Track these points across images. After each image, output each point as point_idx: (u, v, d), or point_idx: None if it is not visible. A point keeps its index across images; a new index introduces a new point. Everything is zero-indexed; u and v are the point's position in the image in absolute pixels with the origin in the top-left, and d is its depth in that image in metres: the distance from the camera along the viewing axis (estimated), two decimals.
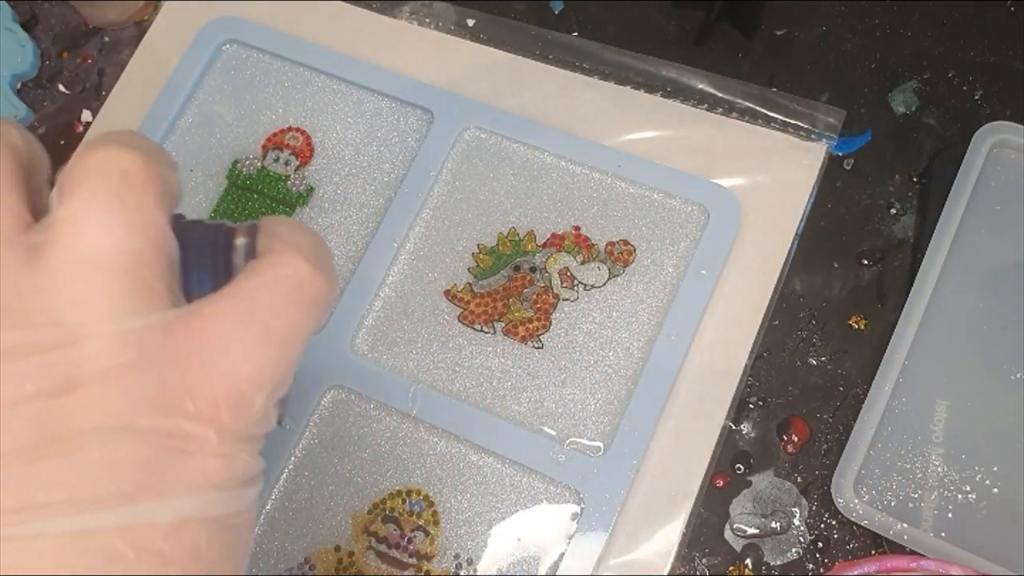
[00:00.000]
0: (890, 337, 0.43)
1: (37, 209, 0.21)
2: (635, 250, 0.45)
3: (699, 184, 0.46)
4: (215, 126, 0.51)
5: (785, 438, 0.43)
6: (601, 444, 0.42)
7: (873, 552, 0.41)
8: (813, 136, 0.46)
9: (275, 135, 0.50)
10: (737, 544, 0.41)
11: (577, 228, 0.46)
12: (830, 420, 0.43)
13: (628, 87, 0.48)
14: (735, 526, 0.42)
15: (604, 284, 0.45)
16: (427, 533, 0.42)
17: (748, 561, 0.41)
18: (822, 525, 0.41)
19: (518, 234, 0.47)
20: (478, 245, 0.47)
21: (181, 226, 0.23)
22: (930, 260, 0.43)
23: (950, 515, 0.40)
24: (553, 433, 0.43)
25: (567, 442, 0.43)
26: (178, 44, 0.52)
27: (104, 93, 0.53)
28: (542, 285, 0.45)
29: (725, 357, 0.43)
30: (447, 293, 0.46)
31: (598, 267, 0.45)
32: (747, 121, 0.47)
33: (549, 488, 0.42)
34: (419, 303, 0.46)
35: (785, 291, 0.45)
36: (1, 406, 0.18)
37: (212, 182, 0.50)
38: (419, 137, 0.49)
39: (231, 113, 0.51)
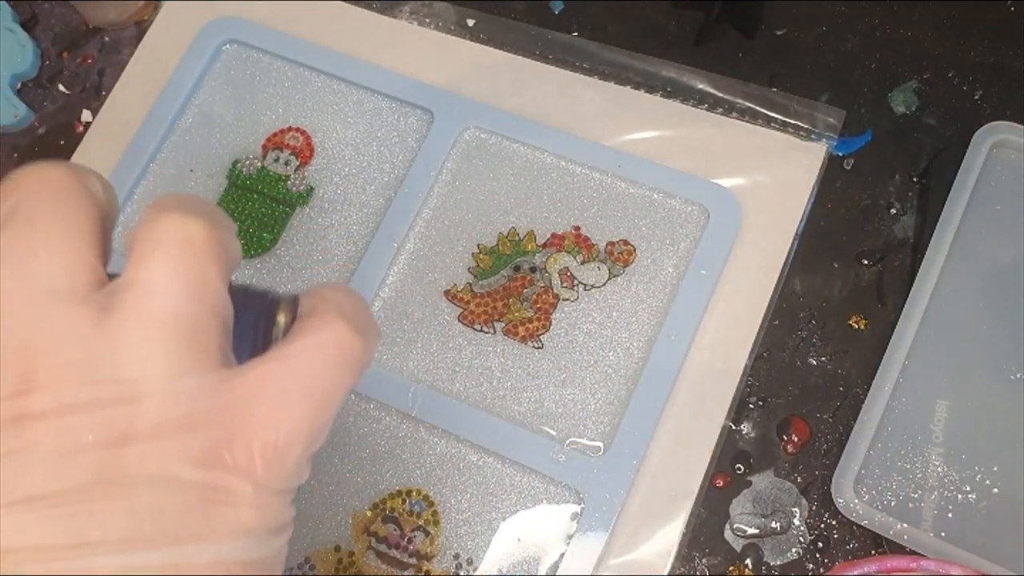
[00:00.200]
0: (890, 337, 0.43)
1: (103, 253, 0.23)
2: (635, 250, 0.45)
3: (699, 184, 0.46)
4: (215, 126, 0.51)
5: (785, 438, 0.43)
6: (601, 444, 0.42)
7: (873, 552, 0.41)
8: (813, 136, 0.46)
9: (275, 135, 0.50)
10: (737, 544, 0.41)
11: (577, 228, 0.46)
12: (830, 420, 0.43)
13: (628, 87, 0.48)
14: (735, 526, 0.42)
15: (604, 284, 0.45)
16: (427, 533, 0.42)
17: (748, 561, 0.41)
18: (822, 525, 0.41)
19: (518, 234, 0.47)
20: (478, 245, 0.47)
21: (232, 288, 0.24)
22: (930, 260, 0.43)
23: (950, 515, 0.40)
24: (553, 433, 0.43)
25: (567, 442, 0.43)
26: (178, 44, 0.52)
27: (104, 93, 0.53)
28: (542, 285, 0.45)
29: (725, 357, 0.43)
30: (447, 293, 0.46)
31: (598, 267, 0.45)
32: (747, 121, 0.47)
33: (549, 488, 0.42)
34: (419, 303, 0.46)
35: (785, 291, 0.45)
36: (64, 451, 0.20)
37: (212, 182, 0.50)
38: (419, 137, 0.49)
39: (231, 113, 0.51)
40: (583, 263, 0.46)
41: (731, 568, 0.41)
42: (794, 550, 0.41)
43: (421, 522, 0.42)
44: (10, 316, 0.21)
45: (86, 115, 0.53)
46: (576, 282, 0.45)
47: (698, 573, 0.41)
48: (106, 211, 0.23)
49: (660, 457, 0.42)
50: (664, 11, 0.51)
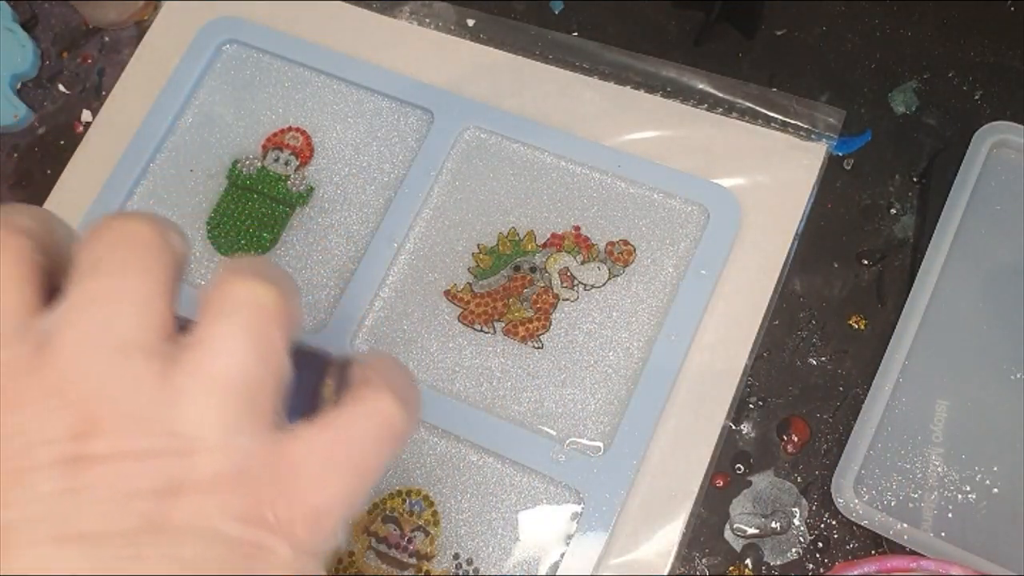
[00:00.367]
0: (890, 337, 0.43)
1: (175, 302, 0.24)
2: (635, 250, 0.45)
3: (699, 184, 0.46)
4: (215, 126, 0.51)
5: (785, 438, 0.43)
6: (601, 444, 0.42)
7: (873, 552, 0.41)
8: (813, 136, 0.46)
9: (275, 135, 0.50)
10: (737, 544, 0.41)
11: (577, 228, 0.46)
12: (830, 420, 0.43)
13: (628, 87, 0.48)
14: (735, 526, 0.42)
15: (604, 284, 0.45)
16: (427, 533, 0.42)
17: (748, 561, 0.41)
18: (822, 525, 0.41)
19: (518, 234, 0.47)
20: (478, 245, 0.47)
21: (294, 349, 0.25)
22: (930, 260, 0.43)
23: (950, 515, 0.40)
24: (553, 433, 0.43)
25: (567, 442, 0.43)
26: (178, 44, 0.52)
27: (104, 93, 0.53)
28: (542, 285, 0.45)
29: (725, 357, 0.43)
30: (447, 293, 0.46)
31: (598, 267, 0.45)
32: (747, 121, 0.47)
33: (549, 488, 0.42)
34: (419, 303, 0.46)
35: (785, 291, 0.45)
36: (117, 495, 0.21)
37: (212, 182, 0.50)
38: (419, 137, 0.49)
39: (231, 113, 0.51)
40: (583, 263, 0.46)
41: (731, 568, 0.41)
42: (794, 550, 0.41)
43: (421, 522, 0.42)
44: (81, 362, 0.22)
45: (86, 115, 0.53)
46: (576, 282, 0.45)
47: (698, 573, 0.41)
48: (181, 262, 0.25)
49: (660, 457, 0.42)
50: (664, 11, 0.51)
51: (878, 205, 0.46)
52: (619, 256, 0.45)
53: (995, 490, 0.40)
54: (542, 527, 0.42)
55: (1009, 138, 0.45)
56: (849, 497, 0.40)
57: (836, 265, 0.45)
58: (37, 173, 0.52)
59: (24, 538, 0.20)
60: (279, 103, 0.51)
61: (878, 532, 0.40)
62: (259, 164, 0.50)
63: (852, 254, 0.45)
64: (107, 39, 0.55)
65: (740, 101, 0.47)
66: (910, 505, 0.40)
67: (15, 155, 0.53)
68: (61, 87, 0.54)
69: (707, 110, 0.47)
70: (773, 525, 0.41)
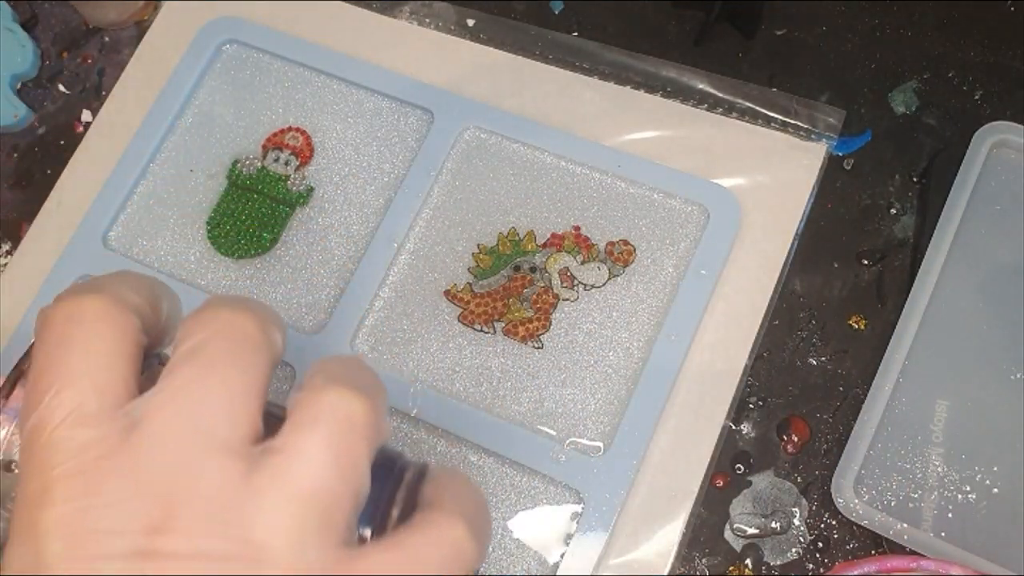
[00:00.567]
0: (890, 337, 0.43)
1: (266, 398, 0.24)
2: (635, 250, 0.45)
3: (699, 184, 0.46)
4: (215, 126, 0.51)
5: (785, 438, 0.43)
6: (601, 444, 0.42)
7: (873, 552, 0.41)
8: (813, 136, 0.46)
9: (275, 135, 0.50)
10: (737, 544, 0.41)
11: (577, 228, 0.46)
12: (830, 420, 0.43)
13: (628, 87, 0.48)
14: (735, 526, 0.42)
15: (604, 284, 0.45)
16: None
17: (748, 561, 0.41)
18: (822, 525, 0.41)
19: (518, 234, 0.47)
20: (478, 245, 0.47)
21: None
22: (930, 260, 0.43)
23: (950, 515, 0.40)
24: (553, 433, 0.43)
25: (567, 442, 0.43)
26: (178, 44, 0.52)
27: (104, 93, 0.53)
28: (542, 285, 0.45)
29: (725, 357, 0.43)
30: (447, 293, 0.46)
31: (598, 267, 0.45)
32: (747, 121, 0.47)
33: (549, 488, 0.42)
34: (419, 303, 0.46)
35: (785, 291, 0.45)
36: None
37: (212, 182, 0.50)
38: (419, 137, 0.49)
39: (231, 113, 0.51)
40: (583, 263, 0.46)
41: (731, 568, 0.41)
42: (794, 550, 0.41)
43: None
44: (164, 453, 0.22)
45: (86, 115, 0.53)
46: (576, 282, 0.45)
47: (698, 573, 0.41)
48: (278, 359, 0.24)
49: (660, 457, 0.42)
50: (664, 11, 0.51)
51: (878, 205, 0.46)
52: (619, 256, 0.45)
53: (995, 490, 0.40)
54: (542, 527, 0.42)
55: (1009, 138, 0.45)
56: (849, 497, 0.40)
57: (836, 265, 0.45)
58: (37, 173, 0.52)
59: None
60: (279, 103, 0.51)
61: (878, 532, 0.40)
62: (259, 164, 0.50)
63: (852, 254, 0.45)
64: (107, 39, 0.55)
65: (740, 101, 0.47)
66: (910, 505, 0.40)
67: (15, 155, 0.53)
68: (61, 87, 0.54)
69: (707, 110, 0.47)
70: (773, 525, 0.41)
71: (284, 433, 0.23)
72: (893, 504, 0.40)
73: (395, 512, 0.25)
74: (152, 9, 0.54)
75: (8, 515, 0.24)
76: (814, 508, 0.41)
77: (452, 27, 0.51)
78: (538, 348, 0.44)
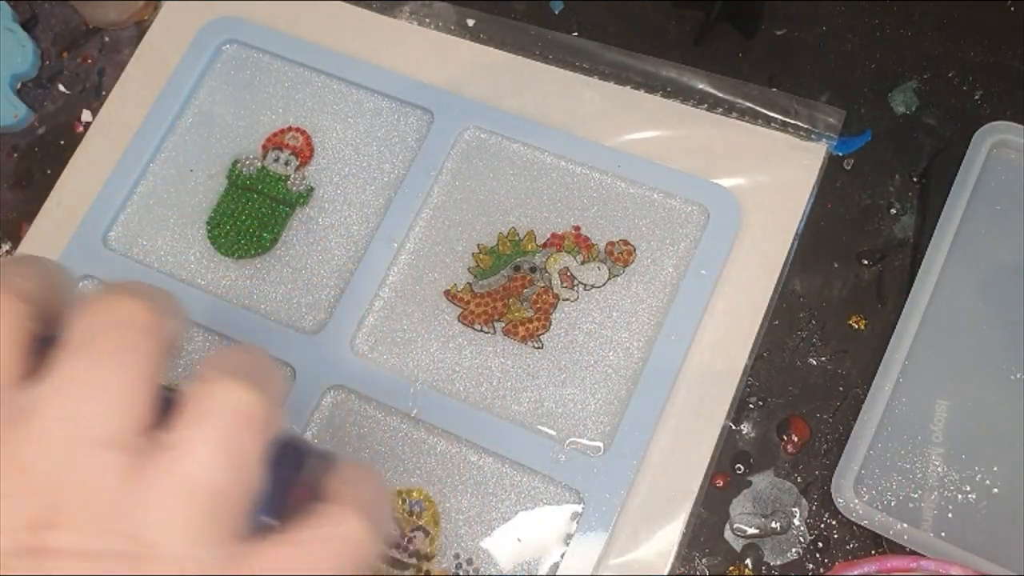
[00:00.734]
0: (890, 337, 0.43)
1: (159, 387, 0.24)
2: (635, 250, 0.45)
3: (699, 184, 0.46)
4: (215, 126, 0.51)
5: (785, 438, 0.43)
6: (601, 444, 0.42)
7: (873, 552, 0.41)
8: (813, 136, 0.46)
9: (275, 135, 0.50)
10: (737, 544, 0.41)
11: (577, 228, 0.46)
12: (830, 420, 0.43)
13: (628, 87, 0.48)
14: (735, 526, 0.42)
15: (604, 284, 0.45)
16: (427, 533, 0.42)
17: (748, 561, 0.41)
18: (822, 525, 0.41)
19: (518, 234, 0.47)
20: (478, 245, 0.47)
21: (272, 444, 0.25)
22: (930, 260, 0.43)
23: (950, 515, 0.40)
24: (553, 433, 0.43)
25: (567, 442, 0.43)
26: (178, 44, 0.52)
27: (104, 93, 0.53)
28: (542, 285, 0.45)
29: (725, 357, 0.43)
30: (447, 293, 0.46)
31: (598, 267, 0.45)
32: (747, 121, 0.47)
33: (549, 488, 0.42)
34: (419, 303, 0.46)
35: (785, 291, 0.45)
36: None
37: (212, 182, 0.50)
38: (419, 137, 0.49)
39: (231, 113, 0.51)
40: (583, 263, 0.46)
41: (731, 568, 0.41)
42: (794, 550, 0.41)
43: (421, 522, 0.42)
44: (51, 449, 0.21)
45: (86, 115, 0.53)
46: (576, 282, 0.45)
47: (698, 573, 0.41)
48: (174, 344, 0.24)
49: (660, 457, 0.42)
50: (664, 11, 0.51)
51: (878, 205, 0.46)
52: (619, 256, 0.45)
53: (995, 490, 0.40)
54: (542, 527, 0.42)
55: (1009, 138, 0.45)
56: (849, 497, 0.40)
57: (836, 265, 0.45)
58: (37, 173, 0.52)
59: None
60: (279, 103, 0.51)
61: (878, 532, 0.40)
62: (259, 164, 0.50)
63: (852, 254, 0.45)
64: (107, 39, 0.55)
65: (740, 101, 0.47)
66: (910, 505, 0.40)
67: (15, 155, 0.53)
68: (61, 87, 0.54)
69: (707, 110, 0.47)
70: (773, 525, 0.41)
71: (175, 428, 0.22)
72: (893, 504, 0.40)
73: (296, 501, 0.25)
74: (152, 9, 0.54)
75: None
76: (814, 508, 0.41)
77: (452, 27, 0.51)
78: (538, 348, 0.44)
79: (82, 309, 0.23)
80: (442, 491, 0.43)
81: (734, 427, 0.43)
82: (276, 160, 0.50)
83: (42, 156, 0.53)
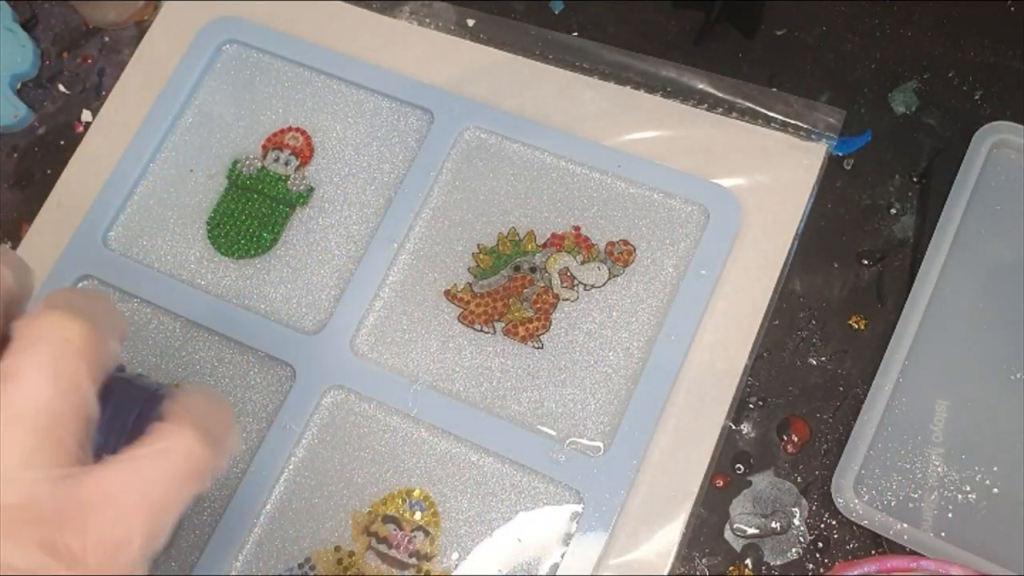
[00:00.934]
0: (890, 337, 0.43)
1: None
2: (635, 250, 0.45)
3: (699, 184, 0.46)
4: (215, 126, 0.51)
5: (785, 438, 0.43)
6: (601, 444, 0.42)
7: (873, 552, 0.41)
8: (813, 136, 0.46)
9: (275, 135, 0.50)
10: (737, 544, 0.41)
11: (577, 228, 0.46)
12: (830, 420, 0.43)
13: (628, 87, 0.48)
14: (735, 526, 0.42)
15: (604, 284, 0.45)
16: (427, 533, 0.42)
17: (748, 561, 0.41)
18: (822, 525, 0.41)
19: (518, 234, 0.47)
20: (478, 245, 0.47)
21: (115, 381, 0.26)
22: (930, 260, 0.43)
23: (950, 515, 0.40)
24: (553, 433, 0.43)
25: (567, 442, 0.43)
26: (178, 44, 0.52)
27: (104, 93, 0.53)
28: (542, 285, 0.45)
29: (725, 357, 0.43)
30: (447, 293, 0.46)
31: (598, 267, 0.45)
32: (747, 121, 0.47)
33: (549, 488, 0.42)
34: (419, 303, 0.46)
35: (785, 291, 0.45)
36: None
37: (212, 182, 0.50)
38: (419, 137, 0.49)
39: (231, 113, 0.51)
40: (583, 263, 0.46)
41: (731, 568, 0.41)
42: (794, 550, 0.41)
43: (421, 522, 0.42)
44: None
45: (86, 115, 0.53)
46: (576, 282, 0.45)
47: (698, 573, 0.41)
48: (13, 295, 0.25)
49: (660, 457, 0.42)
50: (664, 11, 0.51)
51: (878, 205, 0.46)
52: (619, 256, 0.45)
53: (995, 490, 0.40)
54: (542, 527, 0.42)
55: (1009, 138, 0.45)
56: (849, 497, 0.40)
57: (836, 265, 0.45)
58: (37, 173, 0.52)
59: None
60: (279, 103, 0.51)
61: (878, 532, 0.40)
62: (259, 164, 0.50)
63: (852, 254, 0.45)
64: (107, 39, 0.55)
65: (740, 101, 0.47)
66: (910, 505, 0.40)
67: (15, 155, 0.53)
68: (61, 87, 0.54)
69: (707, 110, 0.47)
70: (773, 525, 0.41)
71: (4, 358, 0.23)
72: (893, 504, 0.40)
73: (137, 433, 0.25)
74: (152, 9, 0.54)
75: None
76: (814, 508, 0.41)
77: (452, 27, 0.51)
78: (538, 348, 0.44)
79: None
80: (442, 491, 0.43)
81: (734, 427, 0.43)
82: (276, 160, 0.50)
83: (42, 156, 0.53)
